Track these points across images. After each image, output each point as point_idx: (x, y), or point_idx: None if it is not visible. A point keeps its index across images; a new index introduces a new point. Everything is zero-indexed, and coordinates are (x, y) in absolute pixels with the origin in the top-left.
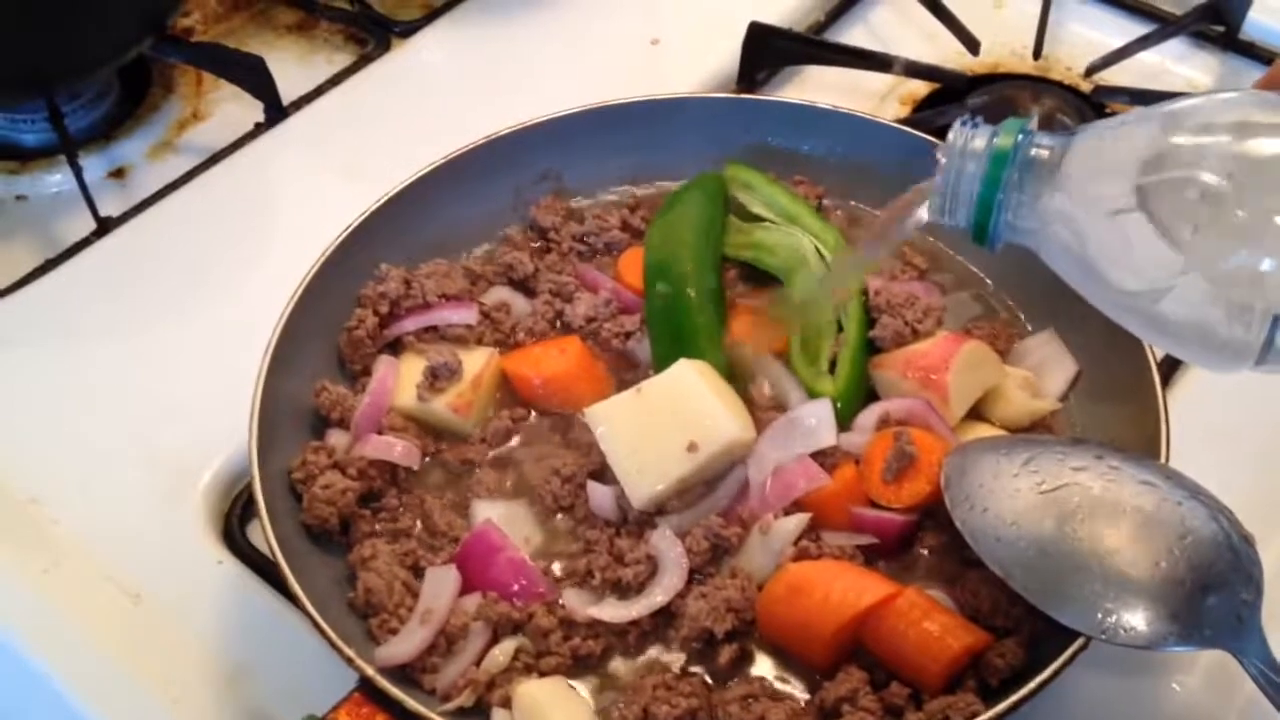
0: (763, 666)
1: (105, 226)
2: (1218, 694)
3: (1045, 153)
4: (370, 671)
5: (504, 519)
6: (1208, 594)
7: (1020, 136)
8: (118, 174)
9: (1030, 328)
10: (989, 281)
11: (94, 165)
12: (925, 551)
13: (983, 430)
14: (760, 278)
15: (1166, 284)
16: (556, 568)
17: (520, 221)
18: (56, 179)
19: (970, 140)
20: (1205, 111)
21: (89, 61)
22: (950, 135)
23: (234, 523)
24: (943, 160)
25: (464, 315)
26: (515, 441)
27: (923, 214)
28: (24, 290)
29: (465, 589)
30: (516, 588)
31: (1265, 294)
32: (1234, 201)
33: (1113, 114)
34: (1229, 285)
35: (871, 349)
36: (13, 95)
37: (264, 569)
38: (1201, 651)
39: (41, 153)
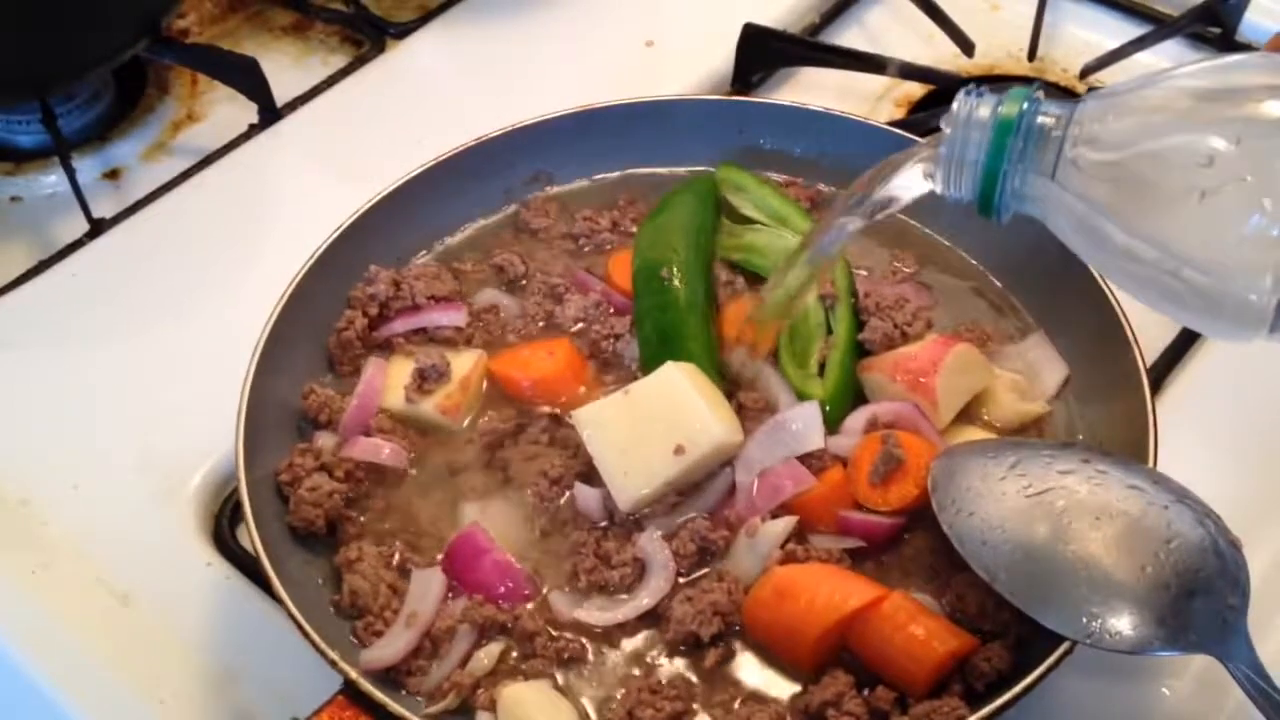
0: (748, 669)
1: (98, 228)
2: (1207, 698)
3: (1051, 120)
4: (354, 675)
5: (491, 520)
6: (1194, 598)
7: (1026, 104)
8: (112, 175)
9: (1025, 323)
10: (986, 272)
11: (88, 166)
12: (912, 555)
13: (971, 433)
14: (751, 280)
15: (1176, 251)
16: (543, 569)
17: (511, 223)
18: (51, 180)
19: (975, 109)
20: (1212, 76)
21: (84, 63)
22: (955, 104)
23: (223, 524)
24: (947, 130)
25: (453, 317)
26: (503, 443)
27: (927, 183)
28: (16, 292)
29: (451, 590)
30: (502, 589)
31: (1277, 259)
32: (1242, 166)
33: None
34: (1239, 251)
35: (860, 351)
36: (7, 97)
37: (253, 571)
38: (1189, 656)
39: (37, 154)
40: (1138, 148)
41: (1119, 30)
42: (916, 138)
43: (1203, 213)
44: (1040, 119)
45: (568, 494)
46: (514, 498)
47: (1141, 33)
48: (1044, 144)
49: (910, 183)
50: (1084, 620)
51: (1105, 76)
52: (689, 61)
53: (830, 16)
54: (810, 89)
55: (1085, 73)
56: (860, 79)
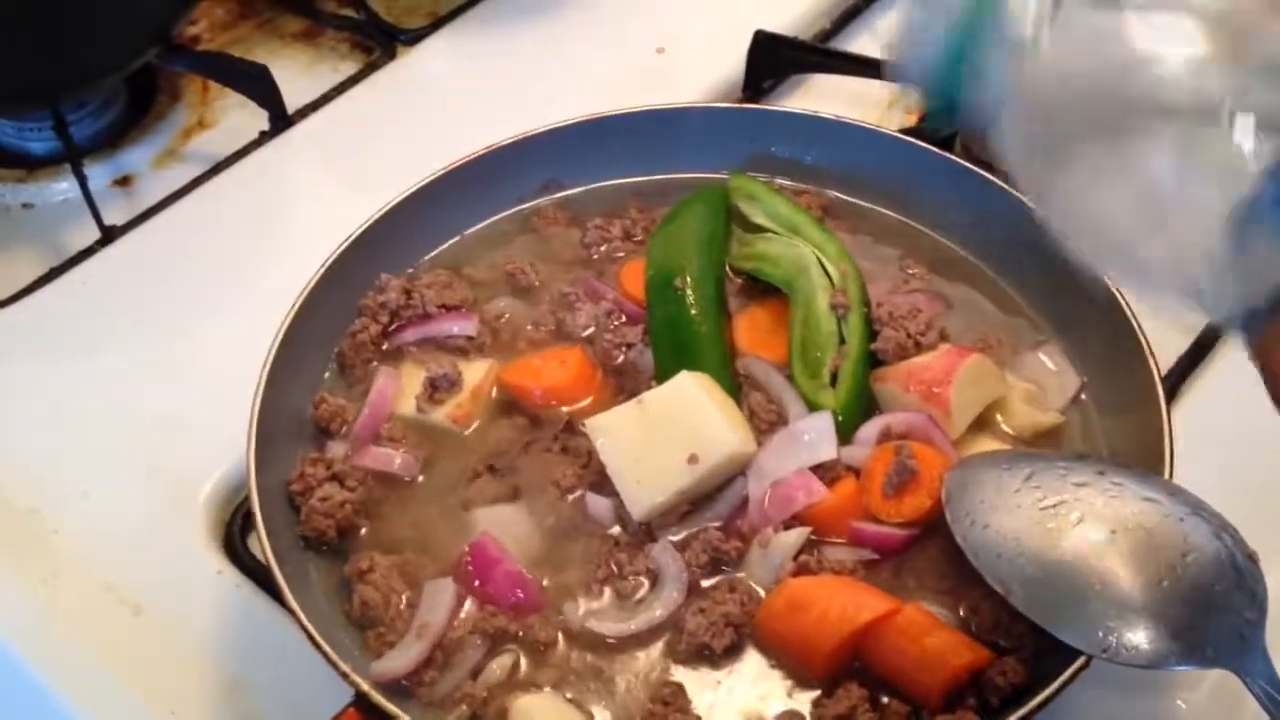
0: (761, 681)
1: (109, 235)
2: (1223, 712)
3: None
4: (365, 687)
5: (502, 529)
6: (1210, 612)
7: None
8: (123, 182)
9: (1039, 332)
10: (999, 281)
11: (100, 173)
12: (925, 567)
13: (985, 443)
14: (764, 288)
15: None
16: (554, 579)
17: (522, 231)
18: (63, 187)
19: None
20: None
21: (95, 71)
22: None
23: (234, 533)
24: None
25: (464, 326)
26: (515, 452)
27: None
28: (27, 299)
29: (463, 600)
30: (514, 600)
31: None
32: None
33: None
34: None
35: (873, 362)
36: (19, 105)
37: (264, 580)
38: (1205, 670)
39: (49, 161)
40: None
41: None
42: (929, 146)
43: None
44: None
45: (580, 503)
46: (525, 506)
47: None
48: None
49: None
50: (1100, 634)
51: None
52: (700, 68)
53: (842, 23)
54: (822, 96)
55: None
56: (872, 85)
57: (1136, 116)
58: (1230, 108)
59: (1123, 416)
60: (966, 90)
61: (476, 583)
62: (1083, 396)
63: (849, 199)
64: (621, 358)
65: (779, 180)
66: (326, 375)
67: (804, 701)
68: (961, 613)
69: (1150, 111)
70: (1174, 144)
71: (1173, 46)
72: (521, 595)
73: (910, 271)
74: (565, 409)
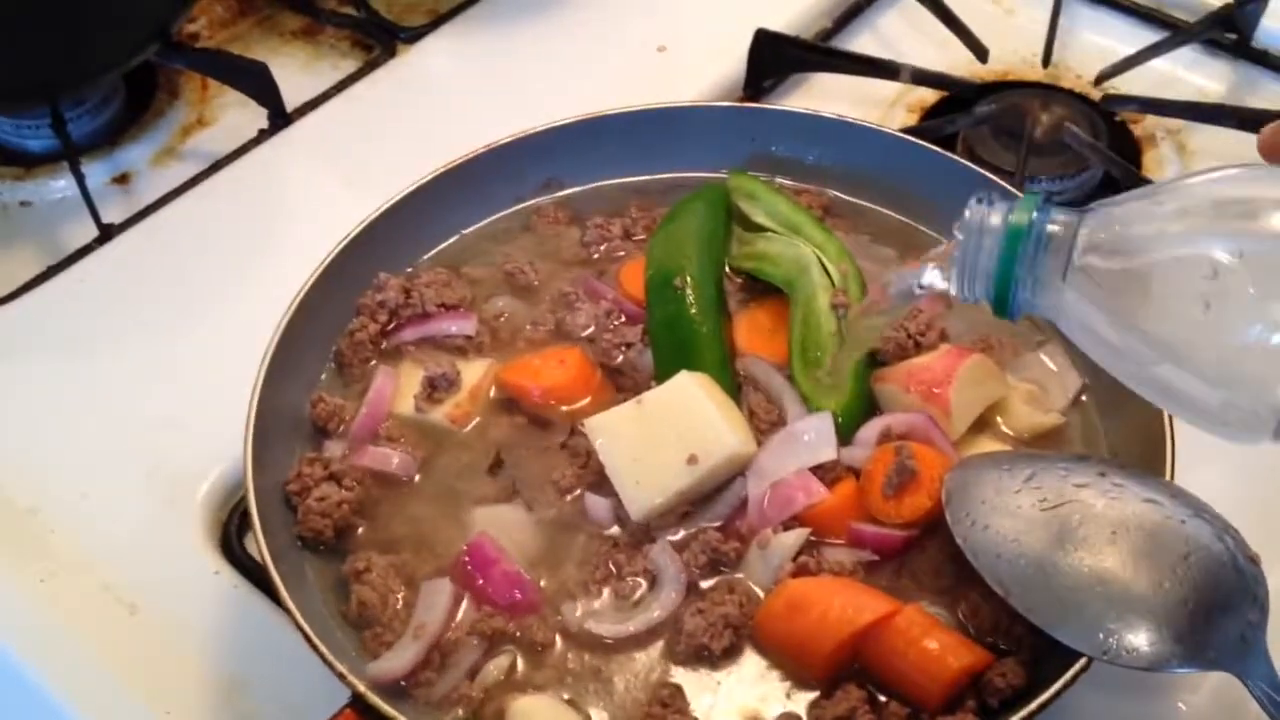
0: (760, 682)
1: (107, 233)
2: (1224, 714)
3: (1059, 228)
4: (362, 688)
5: (500, 529)
6: (1212, 615)
7: (1036, 214)
8: (121, 180)
9: (1040, 332)
10: None
11: (98, 171)
12: (925, 568)
13: (986, 444)
14: (764, 288)
15: (1183, 359)
16: (552, 580)
17: (521, 230)
18: (61, 185)
19: (987, 217)
20: (1214, 187)
21: (94, 68)
22: (967, 213)
23: (232, 533)
24: (960, 237)
25: (463, 325)
26: (513, 452)
27: (941, 283)
28: (25, 297)
29: (460, 600)
30: (511, 600)
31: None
32: (1245, 278)
33: (1123, 123)
34: (1243, 360)
35: (873, 362)
36: (17, 102)
37: (261, 579)
38: (1206, 673)
39: (47, 158)
40: (1143, 258)
41: (1134, 36)
42: (930, 145)
43: (1208, 323)
44: (1050, 227)
45: (578, 503)
46: (524, 506)
47: (1157, 39)
48: (1053, 250)
49: (929, 282)
50: (1100, 636)
51: (1120, 84)
52: (701, 67)
53: (843, 21)
54: (823, 94)
55: (1100, 79)
56: (873, 84)
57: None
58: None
59: (1124, 417)
60: (1022, 301)
61: (474, 582)
62: (1084, 397)
63: (850, 198)
64: (621, 357)
65: (780, 179)
66: (324, 374)
67: (803, 703)
68: (961, 614)
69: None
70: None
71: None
72: (519, 595)
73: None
74: (564, 409)
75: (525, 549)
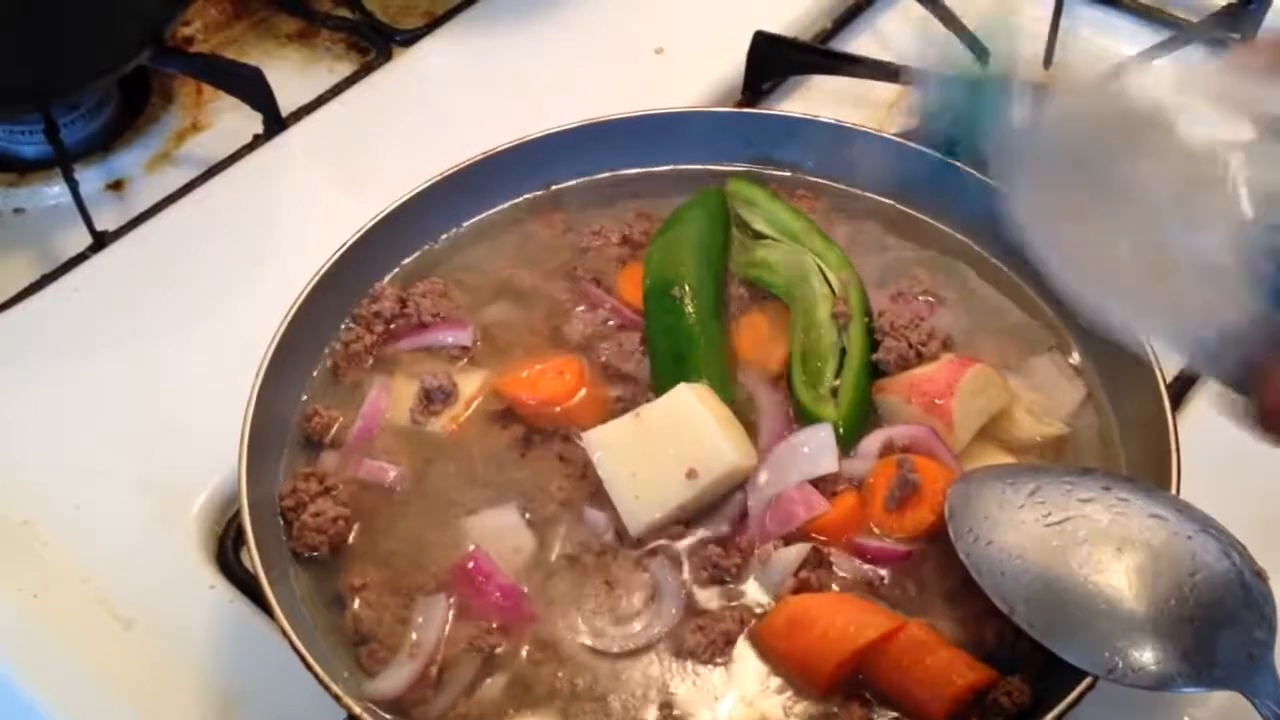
0: (761, 698)
1: (102, 241)
2: None
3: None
4: (357, 710)
5: (496, 542)
6: (1219, 632)
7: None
8: (116, 186)
9: (1044, 341)
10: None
11: (92, 177)
12: (928, 584)
13: (989, 454)
14: (765, 294)
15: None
16: (549, 594)
17: (518, 237)
18: (55, 191)
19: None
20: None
21: (87, 73)
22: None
23: (227, 546)
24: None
25: (459, 336)
26: (510, 463)
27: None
28: (18, 307)
29: (456, 615)
30: (507, 613)
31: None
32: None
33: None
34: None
35: (875, 372)
36: (9, 108)
37: (256, 594)
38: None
39: (40, 164)
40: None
41: (1137, 36)
42: (929, 150)
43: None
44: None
45: (576, 517)
46: (520, 519)
47: (1160, 39)
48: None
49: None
50: (1106, 655)
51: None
52: (699, 69)
53: (842, 23)
54: (822, 97)
55: None
56: (872, 87)
57: (1142, 158)
58: (1234, 174)
59: (1128, 429)
60: (982, 139)
61: (470, 595)
62: (1088, 408)
63: (849, 203)
64: (620, 366)
65: (778, 184)
66: (319, 384)
67: (803, 719)
68: (965, 631)
69: (1157, 153)
70: (1176, 193)
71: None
72: (514, 608)
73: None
74: (562, 420)
75: (522, 562)
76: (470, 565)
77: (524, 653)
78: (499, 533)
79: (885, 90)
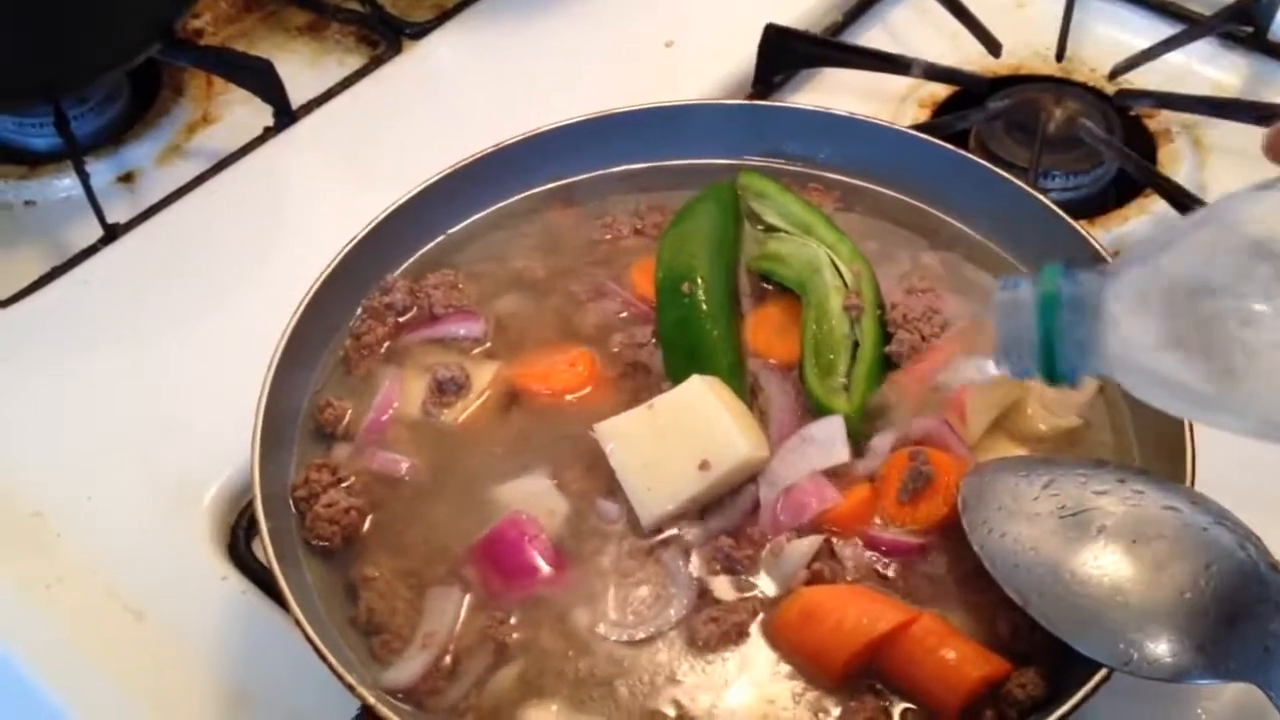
0: (773, 690)
1: (113, 233)
2: None
3: (1085, 289)
4: (371, 700)
5: (530, 500)
6: (1234, 624)
7: (1061, 280)
8: (126, 179)
9: None
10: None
11: (103, 170)
12: (942, 575)
13: (1002, 447)
14: (776, 289)
15: (1235, 405)
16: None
17: (530, 229)
18: (66, 184)
19: (1017, 296)
20: (1232, 228)
21: (97, 66)
22: (996, 298)
23: (240, 537)
24: (997, 321)
25: (471, 328)
26: (522, 454)
27: (995, 369)
28: (29, 299)
29: (471, 602)
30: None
31: None
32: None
33: (1138, 118)
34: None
35: (887, 364)
36: (20, 101)
37: (269, 585)
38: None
39: (51, 157)
40: (1174, 319)
41: (1149, 30)
42: (941, 142)
43: (1245, 371)
44: (1076, 289)
45: (588, 509)
46: (551, 485)
47: (1172, 32)
48: (1086, 310)
49: (982, 370)
50: (1120, 647)
51: (1135, 78)
52: (709, 62)
53: (853, 16)
54: (833, 90)
55: (1115, 73)
56: (884, 80)
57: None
58: None
59: (1143, 421)
60: (1072, 365)
61: (492, 573)
62: (1102, 399)
63: (862, 196)
64: (632, 358)
65: (790, 176)
66: (331, 376)
67: (817, 712)
68: (978, 623)
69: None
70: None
71: None
72: (557, 565)
73: (925, 257)
74: (574, 411)
75: (555, 523)
76: (510, 527)
77: (536, 644)
78: (534, 497)
79: (897, 83)
